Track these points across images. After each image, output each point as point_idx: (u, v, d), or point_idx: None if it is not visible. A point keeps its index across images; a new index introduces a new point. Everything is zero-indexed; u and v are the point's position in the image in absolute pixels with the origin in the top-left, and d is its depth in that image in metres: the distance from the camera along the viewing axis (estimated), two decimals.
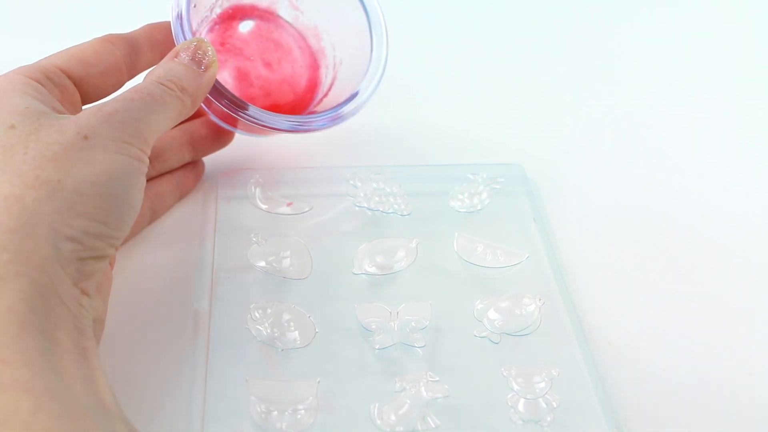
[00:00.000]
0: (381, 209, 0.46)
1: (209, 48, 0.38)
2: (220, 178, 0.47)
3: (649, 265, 0.45)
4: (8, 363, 0.26)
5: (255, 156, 0.49)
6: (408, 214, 0.46)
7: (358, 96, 0.43)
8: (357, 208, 0.46)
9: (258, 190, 0.46)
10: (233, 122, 0.43)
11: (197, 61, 0.37)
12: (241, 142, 0.49)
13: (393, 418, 0.36)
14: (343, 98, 0.44)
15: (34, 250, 0.29)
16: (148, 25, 0.41)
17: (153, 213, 0.44)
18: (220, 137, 0.46)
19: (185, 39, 0.39)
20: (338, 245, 0.44)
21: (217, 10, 0.45)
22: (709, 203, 0.49)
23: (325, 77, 0.47)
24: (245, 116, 0.40)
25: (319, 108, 0.46)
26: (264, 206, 0.46)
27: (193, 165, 0.47)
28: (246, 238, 0.43)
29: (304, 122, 0.42)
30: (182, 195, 0.46)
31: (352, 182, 0.47)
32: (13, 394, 0.26)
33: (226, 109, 0.40)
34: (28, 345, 0.27)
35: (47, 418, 0.25)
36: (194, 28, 0.40)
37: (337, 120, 0.43)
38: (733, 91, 0.59)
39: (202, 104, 0.42)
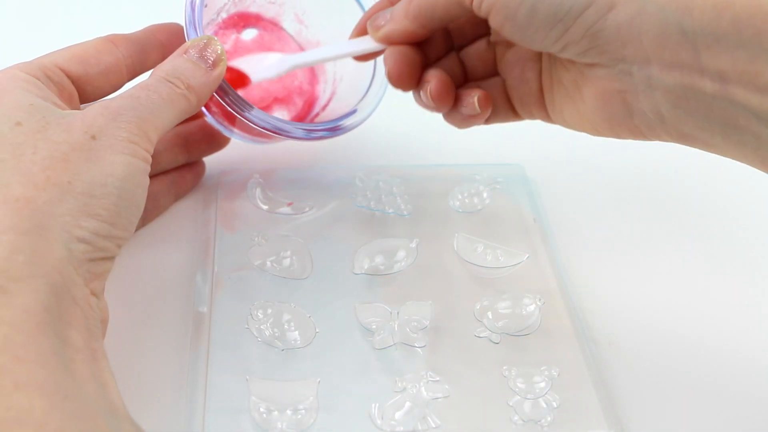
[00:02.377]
0: (381, 209, 0.46)
1: (219, 46, 0.37)
2: (220, 178, 0.47)
3: (649, 264, 0.45)
4: (24, 362, 0.26)
5: (255, 156, 0.49)
6: (408, 214, 0.46)
7: (358, 112, 0.44)
8: (357, 208, 0.46)
9: (258, 190, 0.46)
10: (230, 125, 0.43)
11: (206, 59, 0.37)
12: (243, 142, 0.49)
13: (393, 418, 0.36)
14: (340, 113, 0.44)
15: (48, 252, 0.29)
16: (152, 25, 0.40)
17: (147, 213, 0.44)
18: (214, 140, 0.46)
19: (196, 35, 0.38)
20: (338, 245, 0.44)
21: (224, 15, 0.45)
22: (709, 202, 0.49)
23: (323, 92, 0.47)
24: (249, 118, 0.40)
25: (315, 122, 0.46)
26: (264, 206, 0.46)
27: (191, 166, 0.46)
28: (246, 238, 0.43)
29: (309, 130, 0.42)
30: (179, 196, 0.46)
31: (352, 182, 0.47)
32: (28, 393, 0.26)
33: (230, 109, 0.39)
34: (43, 345, 0.27)
35: (60, 418, 0.26)
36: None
37: (338, 131, 0.43)
38: None
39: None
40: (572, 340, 0.40)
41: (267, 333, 0.39)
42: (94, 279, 0.31)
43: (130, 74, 0.38)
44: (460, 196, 0.47)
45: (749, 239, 0.47)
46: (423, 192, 0.47)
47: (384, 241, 0.44)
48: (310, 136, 0.42)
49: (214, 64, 0.37)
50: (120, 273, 0.41)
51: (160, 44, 0.39)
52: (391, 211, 0.46)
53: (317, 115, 0.46)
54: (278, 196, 0.46)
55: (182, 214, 0.46)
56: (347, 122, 0.43)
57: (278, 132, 0.41)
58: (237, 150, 0.48)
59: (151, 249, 0.43)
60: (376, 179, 0.47)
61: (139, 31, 0.40)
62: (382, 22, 0.39)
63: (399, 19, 0.39)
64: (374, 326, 0.40)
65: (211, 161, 0.48)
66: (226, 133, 0.44)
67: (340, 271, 0.43)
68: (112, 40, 0.38)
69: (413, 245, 0.44)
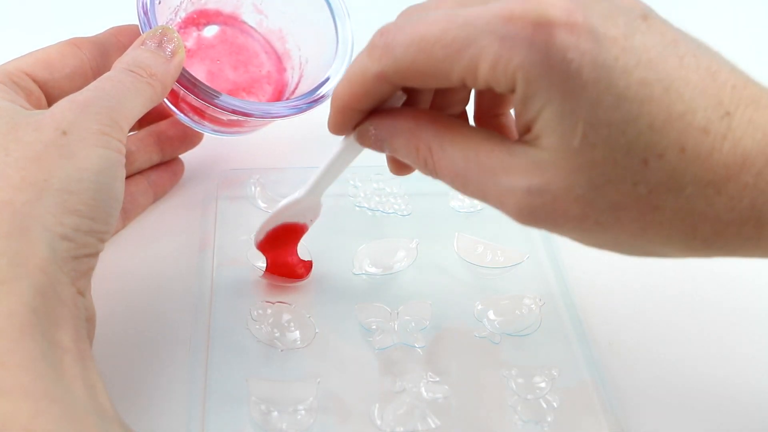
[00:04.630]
0: (381, 209, 0.46)
1: (175, 35, 0.37)
2: (220, 178, 0.47)
3: (648, 264, 0.45)
4: (9, 367, 0.26)
5: (255, 156, 0.49)
6: (408, 214, 0.46)
7: (331, 79, 0.43)
8: (357, 208, 0.46)
9: (258, 189, 0.46)
10: (201, 120, 0.43)
11: (164, 47, 0.37)
12: (242, 141, 0.49)
13: (393, 418, 0.36)
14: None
15: (31, 253, 0.29)
16: (114, 27, 0.40)
17: (126, 214, 0.44)
18: (188, 137, 0.46)
19: (151, 29, 0.38)
20: (338, 245, 0.44)
21: (182, 14, 0.45)
22: None
23: (292, 78, 0.47)
24: (218, 104, 0.39)
25: None
26: (264, 206, 0.46)
27: (168, 165, 0.46)
28: (246, 238, 0.43)
29: (277, 107, 0.41)
30: (157, 196, 0.46)
31: (352, 182, 0.47)
32: (13, 398, 0.26)
33: (198, 99, 0.39)
34: (29, 348, 0.27)
35: (47, 421, 0.25)
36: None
37: (320, 100, 0.42)
38: None
39: (170, 105, 0.42)
40: (572, 340, 0.40)
41: (267, 333, 0.39)
42: (79, 277, 0.31)
43: (95, 77, 0.38)
44: (460, 196, 0.47)
45: None
46: (423, 192, 0.47)
47: (384, 241, 0.44)
48: (289, 112, 0.41)
49: (174, 52, 0.37)
50: (119, 273, 0.41)
51: (122, 46, 0.39)
52: (391, 211, 0.46)
53: (288, 99, 0.46)
54: (278, 196, 0.46)
55: (182, 214, 0.46)
56: (324, 90, 0.42)
57: (252, 114, 0.40)
58: (237, 150, 0.48)
59: (150, 249, 0.43)
60: (376, 179, 0.47)
61: (101, 33, 0.40)
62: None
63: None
64: (374, 326, 0.40)
65: (211, 161, 0.48)
66: (198, 128, 0.44)
67: (340, 271, 0.43)
68: (76, 43, 0.38)
69: (413, 245, 0.44)
